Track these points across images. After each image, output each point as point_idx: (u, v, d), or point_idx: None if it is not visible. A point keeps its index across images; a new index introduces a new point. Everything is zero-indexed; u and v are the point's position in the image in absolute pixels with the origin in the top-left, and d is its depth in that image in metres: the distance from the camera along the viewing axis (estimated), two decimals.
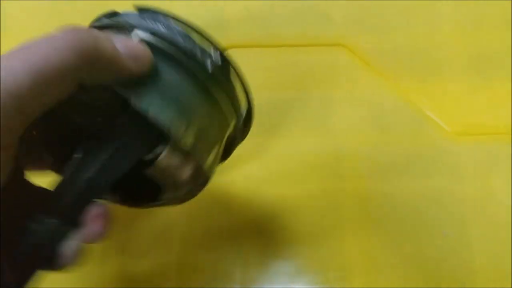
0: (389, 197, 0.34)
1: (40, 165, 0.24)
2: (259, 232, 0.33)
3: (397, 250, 0.32)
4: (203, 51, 0.23)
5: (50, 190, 0.21)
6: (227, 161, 0.29)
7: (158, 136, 0.21)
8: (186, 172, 0.23)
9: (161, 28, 0.22)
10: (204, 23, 0.39)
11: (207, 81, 0.23)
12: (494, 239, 0.32)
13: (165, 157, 0.22)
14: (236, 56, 0.38)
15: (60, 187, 0.21)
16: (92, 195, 0.21)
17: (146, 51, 0.21)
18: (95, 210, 0.21)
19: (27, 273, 0.20)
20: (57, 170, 0.24)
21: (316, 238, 0.33)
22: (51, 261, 0.20)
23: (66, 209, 0.20)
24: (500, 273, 0.32)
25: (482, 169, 0.34)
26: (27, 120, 0.17)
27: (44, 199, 0.21)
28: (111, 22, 0.23)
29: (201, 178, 0.24)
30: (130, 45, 0.20)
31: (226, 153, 0.28)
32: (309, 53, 0.38)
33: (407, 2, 0.39)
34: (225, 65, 0.24)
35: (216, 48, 0.24)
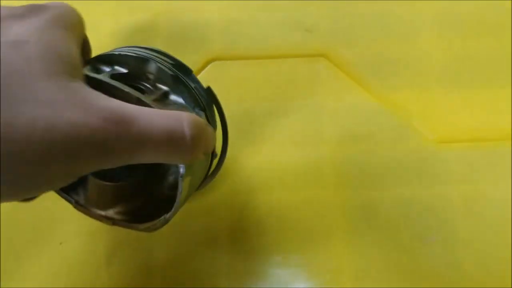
0: (372, 206, 0.34)
1: None
2: (245, 239, 0.34)
3: (385, 256, 0.33)
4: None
5: None
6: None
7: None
8: None
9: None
10: (185, 36, 0.40)
11: None
12: (482, 245, 0.33)
13: None
14: (219, 69, 0.39)
15: None
16: None
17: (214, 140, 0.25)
18: None
19: None
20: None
21: (303, 245, 0.33)
22: None
23: None
24: (488, 277, 0.32)
25: (465, 176, 0.35)
26: None
27: None
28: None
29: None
30: (209, 138, 0.23)
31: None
32: (291, 64, 0.39)
33: (388, 12, 0.40)
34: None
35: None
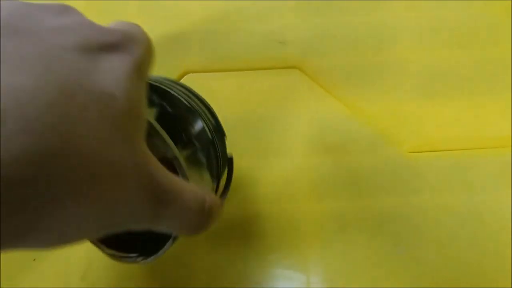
0: (343, 217, 0.35)
1: None
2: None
3: (369, 262, 0.34)
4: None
5: None
6: None
7: None
8: None
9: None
10: (161, 46, 0.40)
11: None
12: (454, 251, 0.34)
13: None
14: (193, 81, 0.39)
15: None
16: None
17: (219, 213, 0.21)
18: None
19: None
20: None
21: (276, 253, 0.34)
22: None
23: None
24: (462, 281, 0.33)
25: (437, 184, 0.36)
26: None
27: None
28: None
29: None
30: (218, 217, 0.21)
31: None
32: (265, 76, 0.40)
33: (361, 22, 0.41)
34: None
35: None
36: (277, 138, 0.37)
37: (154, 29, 0.41)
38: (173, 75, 0.39)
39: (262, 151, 0.37)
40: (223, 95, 0.39)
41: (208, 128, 0.26)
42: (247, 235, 0.34)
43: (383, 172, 0.36)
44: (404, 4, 0.42)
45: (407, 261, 0.33)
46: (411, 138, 0.37)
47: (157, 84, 0.25)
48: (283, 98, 0.39)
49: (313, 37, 0.41)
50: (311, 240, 0.34)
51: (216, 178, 0.27)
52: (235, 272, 0.33)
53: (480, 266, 0.33)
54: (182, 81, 0.39)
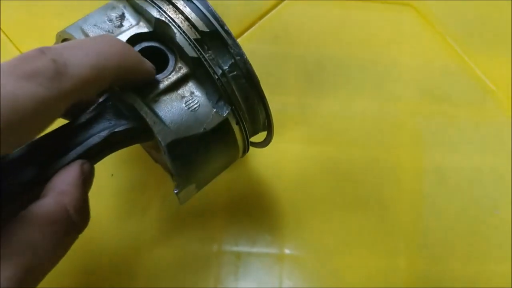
0: (440, 170, 0.32)
1: None
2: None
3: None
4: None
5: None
6: None
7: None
8: None
9: None
10: None
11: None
12: None
13: None
14: (295, 7, 0.36)
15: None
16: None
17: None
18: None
19: None
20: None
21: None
22: None
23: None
24: None
25: None
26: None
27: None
28: None
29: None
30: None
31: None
32: (374, 9, 0.36)
33: None
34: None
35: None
36: (377, 79, 0.34)
37: None
38: (267, 1, 0.36)
39: (359, 91, 0.34)
40: (321, 26, 0.35)
41: (189, 40, 0.22)
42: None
43: (486, 129, 0.33)
44: None
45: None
46: None
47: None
48: (391, 35, 0.35)
49: None
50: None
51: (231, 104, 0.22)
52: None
53: None
54: (278, 8, 0.36)
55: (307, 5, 0.36)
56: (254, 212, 0.31)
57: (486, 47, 0.35)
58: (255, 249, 0.30)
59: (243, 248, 0.30)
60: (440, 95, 0.34)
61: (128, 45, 0.20)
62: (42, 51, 0.17)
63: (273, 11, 0.36)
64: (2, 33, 0.34)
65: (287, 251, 0.30)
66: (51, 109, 0.17)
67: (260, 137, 0.26)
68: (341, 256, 0.30)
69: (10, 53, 0.33)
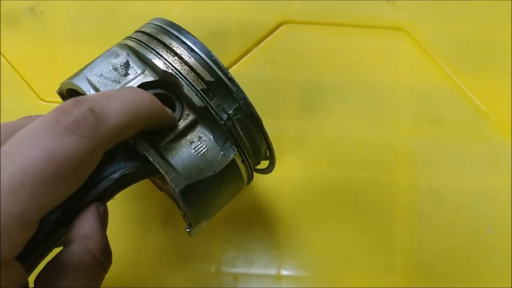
0: (435, 191, 0.33)
1: None
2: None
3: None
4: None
5: None
6: None
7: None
8: None
9: None
10: None
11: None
12: None
13: None
14: (290, 32, 0.37)
15: None
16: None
17: None
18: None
19: None
20: None
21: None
22: None
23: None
24: None
25: None
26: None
27: None
28: None
29: None
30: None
31: None
32: (370, 35, 0.37)
33: None
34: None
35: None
36: (370, 103, 0.35)
37: None
38: (269, 24, 0.37)
39: (356, 115, 0.35)
40: (319, 50, 0.36)
41: (195, 90, 0.22)
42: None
43: (482, 151, 0.34)
44: None
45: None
46: None
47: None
48: (385, 60, 0.36)
49: (426, 1, 0.37)
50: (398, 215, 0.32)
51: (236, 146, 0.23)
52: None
53: None
54: (279, 31, 0.37)
55: (304, 31, 0.37)
56: (252, 232, 0.32)
57: (477, 71, 0.36)
58: (252, 270, 0.31)
59: (240, 270, 0.31)
60: (434, 118, 0.35)
61: (152, 94, 0.21)
62: (78, 101, 0.18)
63: (271, 37, 0.37)
64: (2, 33, 0.35)
65: (284, 272, 0.31)
66: (93, 157, 0.18)
67: (263, 163, 0.27)
68: (339, 275, 0.31)
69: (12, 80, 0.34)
